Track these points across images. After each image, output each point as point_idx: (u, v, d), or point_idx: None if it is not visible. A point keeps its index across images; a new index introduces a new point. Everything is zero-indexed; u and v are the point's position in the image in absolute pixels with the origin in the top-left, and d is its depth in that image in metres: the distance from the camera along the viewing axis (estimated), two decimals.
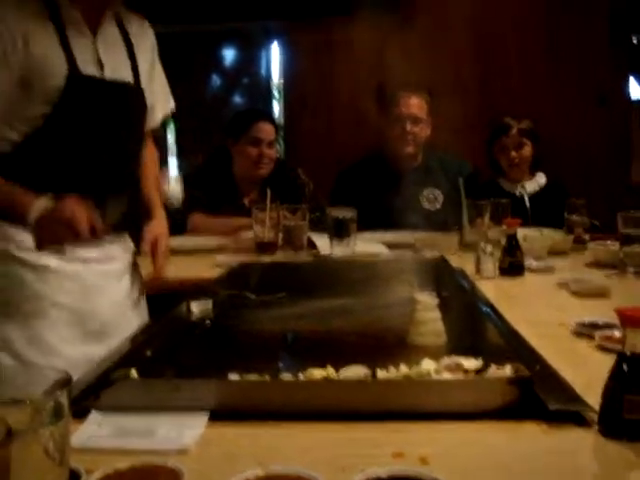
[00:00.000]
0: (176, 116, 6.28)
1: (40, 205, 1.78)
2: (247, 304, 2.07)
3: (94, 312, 1.96)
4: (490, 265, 2.43)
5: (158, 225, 2.16)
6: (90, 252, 1.94)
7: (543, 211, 3.55)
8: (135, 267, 2.18)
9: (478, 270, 2.44)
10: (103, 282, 1.98)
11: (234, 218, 3.44)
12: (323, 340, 1.74)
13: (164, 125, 6.35)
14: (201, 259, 2.92)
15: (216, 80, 5.77)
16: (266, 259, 2.83)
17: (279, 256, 2.94)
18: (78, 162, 1.89)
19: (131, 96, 2.02)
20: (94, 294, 1.96)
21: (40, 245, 1.80)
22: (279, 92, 5.40)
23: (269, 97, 5.57)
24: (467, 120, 4.73)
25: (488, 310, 1.76)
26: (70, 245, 1.83)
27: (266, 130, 3.60)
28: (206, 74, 5.78)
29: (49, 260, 1.87)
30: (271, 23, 5.22)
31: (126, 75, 2.00)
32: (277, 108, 5.44)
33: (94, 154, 1.92)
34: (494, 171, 3.79)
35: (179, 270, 2.74)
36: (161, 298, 2.21)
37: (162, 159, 6.56)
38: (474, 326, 1.70)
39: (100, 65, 1.92)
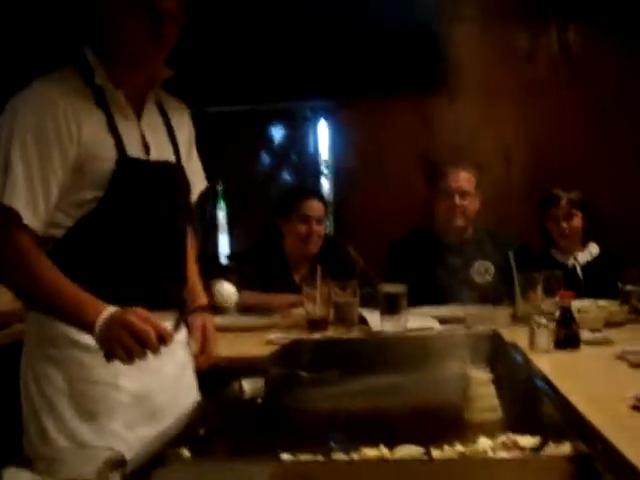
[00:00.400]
0: (226, 194, 6.39)
1: (106, 316, 1.75)
2: (299, 382, 2.05)
3: (151, 393, 1.96)
4: (544, 338, 2.39)
5: (208, 319, 2.19)
6: None
7: (597, 282, 3.50)
8: (186, 345, 2.17)
9: (532, 344, 2.40)
10: (159, 362, 1.93)
11: (285, 295, 3.46)
12: (376, 418, 1.71)
13: (214, 203, 6.45)
14: (252, 337, 2.92)
15: (265, 158, 5.85)
16: (317, 336, 2.82)
17: (330, 333, 2.93)
18: (131, 244, 1.91)
19: (176, 175, 2.05)
20: (152, 375, 1.94)
21: (109, 357, 1.76)
22: (328, 169, 5.46)
23: (318, 174, 5.62)
24: (516, 191, 4.72)
25: (544, 385, 1.72)
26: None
27: (315, 207, 3.64)
28: (255, 152, 5.87)
29: None
30: (319, 102, 5.30)
31: (168, 155, 2.04)
32: (326, 185, 5.49)
33: (146, 236, 1.94)
34: (545, 242, 3.77)
35: (230, 348, 2.75)
36: (212, 376, 2.21)
37: (212, 237, 6.66)
38: (530, 402, 1.66)
39: (146, 147, 1.96)
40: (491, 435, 1.32)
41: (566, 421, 1.39)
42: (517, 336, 2.48)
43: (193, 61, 5.72)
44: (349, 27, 4.92)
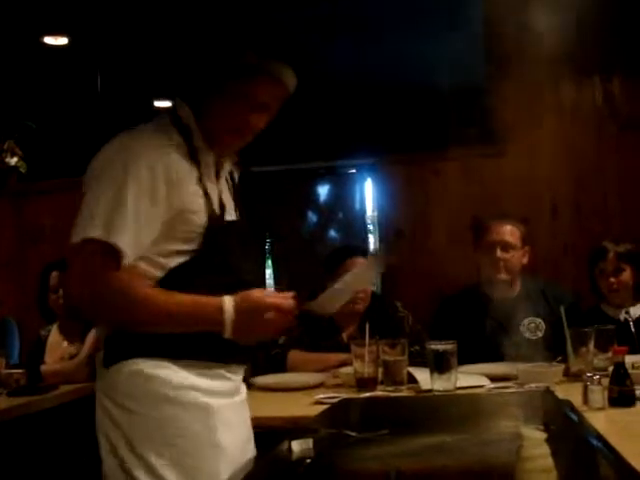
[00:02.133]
0: (273, 252, 6.43)
1: (230, 302, 1.88)
2: (348, 442, 2.03)
3: (238, 448, 1.98)
4: (599, 395, 2.34)
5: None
6: (225, 385, 1.98)
7: None
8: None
9: (586, 401, 2.35)
10: (240, 416, 2.03)
11: (333, 354, 3.44)
12: (427, 479, 1.68)
13: (263, 261, 6.49)
14: (301, 397, 2.91)
15: (312, 216, 5.89)
16: (366, 395, 2.79)
17: (379, 392, 2.90)
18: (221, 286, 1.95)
19: (248, 232, 2.15)
20: (236, 429, 1.99)
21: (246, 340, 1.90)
22: (374, 226, 5.47)
23: (364, 231, 5.63)
24: (563, 247, 4.68)
25: (599, 444, 1.68)
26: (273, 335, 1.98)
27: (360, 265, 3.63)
28: (302, 210, 5.91)
29: (205, 398, 1.90)
30: (364, 159, 5.34)
31: (234, 214, 2.13)
32: (372, 241, 5.49)
33: (229, 286, 1.97)
34: (596, 296, 3.71)
35: (279, 408, 2.74)
36: (261, 437, 2.20)
37: None
38: (586, 462, 1.62)
39: (222, 208, 2.03)
40: None
41: None
42: (570, 393, 2.43)
43: None
44: (395, 85, 4.98)
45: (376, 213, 5.39)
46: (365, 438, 2.03)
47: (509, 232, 3.63)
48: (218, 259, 1.98)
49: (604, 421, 2.12)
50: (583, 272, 3.85)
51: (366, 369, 2.96)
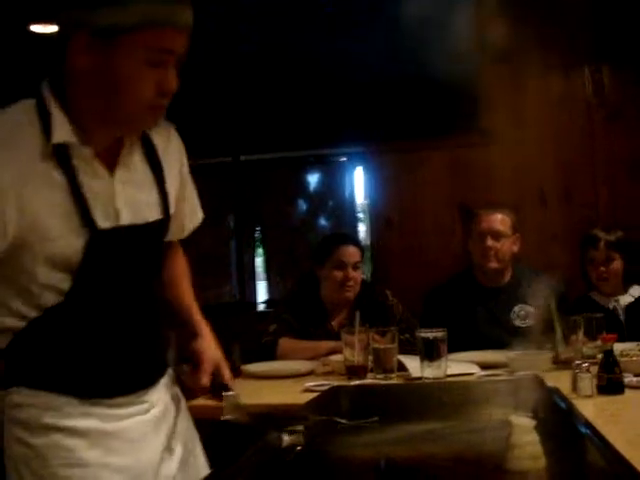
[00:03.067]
0: (263, 241, 6.43)
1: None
2: (338, 430, 2.04)
3: (144, 466, 1.77)
4: (587, 383, 2.35)
5: (209, 346, 1.89)
6: (130, 407, 1.76)
7: (639, 324, 3.45)
8: (176, 401, 1.93)
9: (575, 389, 2.36)
10: (148, 433, 1.79)
11: (323, 342, 3.45)
12: (417, 466, 1.69)
13: (253, 250, 6.49)
14: (291, 384, 2.91)
15: (302, 204, 5.89)
16: (356, 383, 2.80)
17: (369, 379, 2.91)
18: (110, 327, 1.71)
19: (151, 235, 1.78)
20: (142, 448, 1.77)
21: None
22: (364, 214, 5.48)
23: (354, 219, 5.64)
24: (552, 235, 4.69)
25: (588, 431, 1.69)
26: None
27: (350, 253, 3.63)
28: (292, 199, 5.92)
29: (90, 422, 1.68)
30: (354, 147, 5.34)
31: (149, 212, 1.74)
32: (363, 229, 5.50)
33: (124, 317, 1.74)
34: (586, 284, 3.73)
35: (268, 396, 2.74)
36: (251, 425, 2.20)
37: (250, 285, 6.69)
38: (574, 449, 1.63)
39: (116, 212, 1.65)
40: None
41: (611, 468, 1.36)
42: (559, 381, 2.44)
43: (227, 110, 5.82)
44: (384, 74, 4.98)
45: (366, 201, 5.39)
46: (355, 426, 2.04)
47: (499, 220, 3.63)
48: (97, 289, 1.66)
49: (593, 408, 2.13)
50: (572, 260, 3.87)
51: (356, 357, 2.97)
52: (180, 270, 2.01)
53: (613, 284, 3.62)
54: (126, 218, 1.66)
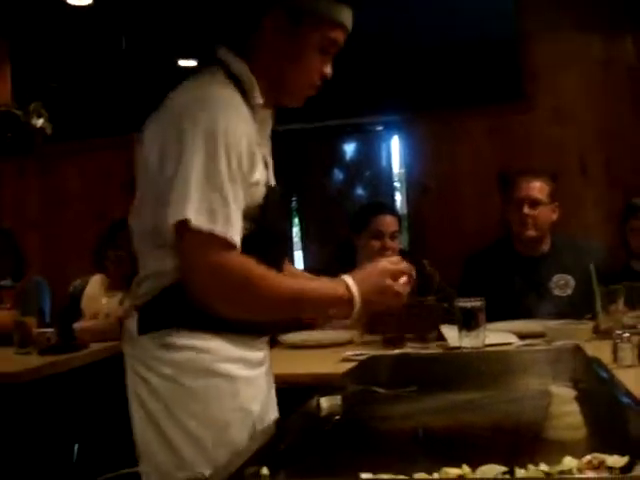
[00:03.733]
0: (300, 210, 6.43)
1: (352, 280, 1.87)
2: (376, 399, 2.04)
3: (267, 414, 1.93)
4: (628, 353, 2.33)
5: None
6: (258, 356, 1.91)
7: None
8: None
9: (615, 358, 2.34)
10: (268, 383, 1.98)
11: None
12: (456, 436, 1.69)
13: (290, 219, 6.51)
14: (329, 354, 2.92)
15: (338, 174, 5.88)
16: (394, 352, 2.80)
17: (407, 349, 2.90)
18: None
19: (281, 192, 2.02)
20: (266, 396, 1.95)
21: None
22: (401, 183, 5.45)
23: (391, 189, 5.62)
24: (595, 204, 4.63)
25: (629, 401, 1.67)
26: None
27: (387, 222, 3.62)
28: (328, 168, 5.90)
29: (240, 370, 1.83)
30: (391, 116, 5.30)
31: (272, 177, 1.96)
32: (399, 198, 5.47)
33: (276, 262, 1.91)
34: (627, 254, 3.68)
35: (307, 365, 2.75)
36: (290, 394, 2.21)
37: (289, 254, 6.68)
38: (615, 419, 1.61)
39: (267, 170, 1.89)
40: (576, 454, 1.28)
41: None
42: (600, 351, 2.42)
43: None
44: (421, 41, 4.93)
45: (403, 170, 5.36)
46: (393, 395, 2.04)
47: (538, 188, 3.59)
48: (272, 230, 1.87)
49: (633, 378, 2.10)
50: (613, 229, 3.82)
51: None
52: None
53: None
54: (271, 178, 1.91)
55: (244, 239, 1.73)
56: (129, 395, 1.82)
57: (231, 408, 1.79)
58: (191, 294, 1.69)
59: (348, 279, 1.87)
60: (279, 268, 1.94)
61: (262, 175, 1.81)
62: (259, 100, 1.80)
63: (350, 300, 1.84)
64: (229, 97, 1.75)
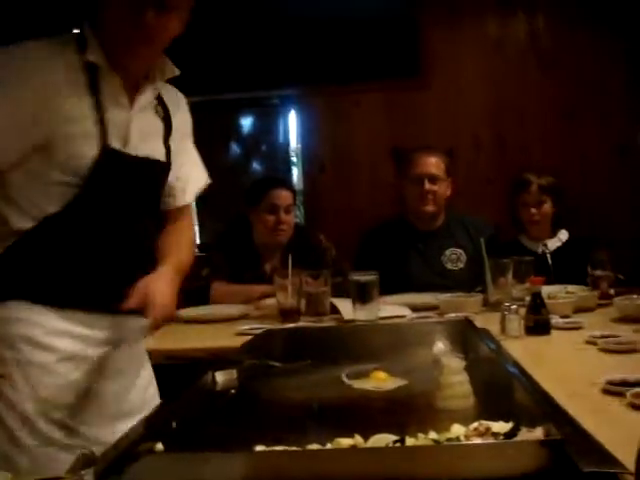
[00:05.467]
0: None
1: None
2: (272, 372, 2.05)
3: (119, 394, 1.91)
4: (515, 324, 2.40)
5: (154, 278, 1.90)
6: (106, 333, 1.87)
7: (566, 268, 3.53)
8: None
9: (503, 330, 2.41)
10: (123, 364, 1.92)
11: (256, 285, 3.45)
12: (349, 408, 1.71)
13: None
14: (224, 328, 2.92)
15: (235, 148, 5.82)
16: (289, 326, 2.81)
17: (302, 323, 2.92)
18: (101, 243, 1.83)
19: (154, 173, 1.96)
20: (116, 376, 1.90)
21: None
22: (297, 157, 5.44)
23: (288, 163, 5.61)
24: (485, 179, 4.74)
25: (515, 370, 1.73)
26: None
27: (282, 196, 3.63)
28: (225, 142, 5.84)
29: (74, 345, 1.80)
30: (288, 90, 5.28)
31: (152, 151, 1.92)
32: (296, 174, 5.47)
33: (116, 236, 1.86)
34: (516, 228, 3.78)
35: (202, 339, 2.74)
36: (184, 368, 2.20)
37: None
38: (502, 388, 1.67)
39: (125, 140, 1.83)
40: (464, 422, 1.32)
41: (538, 406, 1.39)
42: (489, 322, 2.49)
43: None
44: (318, 15, 4.91)
45: (300, 145, 5.36)
46: (288, 368, 2.05)
47: (435, 164, 3.65)
48: (100, 200, 1.80)
49: (520, 349, 2.18)
50: (503, 205, 3.92)
51: (289, 300, 2.98)
52: (179, 234, 2.12)
53: (543, 227, 3.69)
54: (134, 147, 1.84)
55: (69, 202, 1.75)
56: None
57: (59, 384, 1.78)
58: None
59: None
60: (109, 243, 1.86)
61: (87, 133, 1.74)
62: (91, 57, 1.75)
63: None
64: (36, 49, 1.73)
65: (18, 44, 1.72)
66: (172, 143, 1.99)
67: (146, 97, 1.90)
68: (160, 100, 1.98)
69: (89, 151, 1.75)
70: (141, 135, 1.87)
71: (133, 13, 1.70)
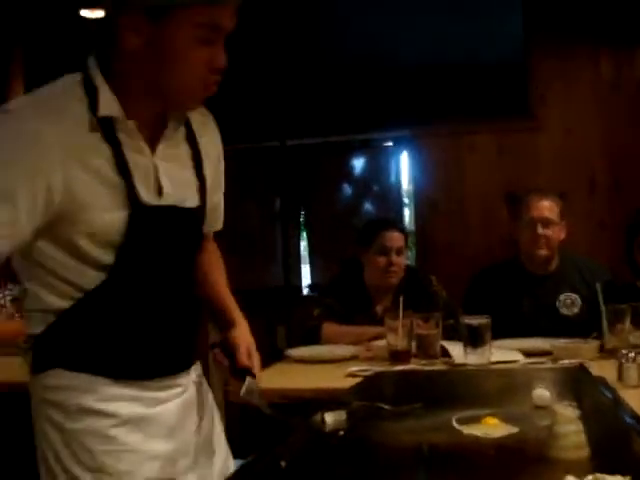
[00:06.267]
0: (308, 225, 6.44)
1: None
2: (381, 415, 2.05)
3: (181, 450, 1.79)
4: (634, 372, 2.32)
5: (244, 332, 1.91)
6: (167, 390, 1.78)
7: None
8: (201, 385, 1.96)
9: (620, 378, 2.34)
10: (182, 417, 1.81)
11: (367, 327, 3.45)
12: (460, 454, 1.69)
13: (298, 234, 6.52)
14: (335, 369, 2.92)
15: (347, 189, 5.89)
16: (400, 368, 2.80)
17: (413, 365, 2.91)
18: (145, 305, 1.72)
19: (191, 221, 1.79)
20: (178, 432, 1.79)
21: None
22: (409, 199, 5.46)
23: (400, 204, 5.63)
24: (601, 224, 4.64)
25: (633, 421, 1.68)
26: None
27: (394, 238, 3.63)
28: (337, 183, 5.91)
29: (130, 407, 1.69)
30: (401, 131, 5.32)
31: (186, 193, 1.74)
32: (408, 214, 5.48)
33: (161, 291, 1.75)
34: (633, 273, 3.67)
35: (313, 380, 2.76)
36: (295, 408, 2.21)
37: (295, 268, 6.71)
38: (619, 439, 1.62)
39: (159, 189, 1.66)
40: (579, 474, 1.29)
41: None
42: (605, 370, 2.42)
43: (275, 94, 5.83)
44: (431, 57, 4.95)
45: (411, 186, 5.37)
46: (398, 411, 2.04)
47: (549, 208, 3.60)
48: (143, 264, 1.67)
49: (638, 399, 2.10)
50: (619, 249, 3.82)
51: (400, 342, 2.97)
52: (215, 260, 2.02)
53: None
54: (168, 195, 1.67)
55: (109, 275, 1.62)
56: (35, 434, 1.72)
57: (110, 450, 1.66)
58: None
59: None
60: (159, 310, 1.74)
61: (115, 195, 1.59)
62: (105, 112, 1.57)
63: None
64: (34, 121, 1.53)
65: (15, 112, 1.57)
66: (206, 171, 1.80)
67: (171, 134, 1.72)
68: (187, 127, 1.77)
69: (120, 215, 1.60)
70: (173, 178, 1.70)
71: (203, 59, 1.57)
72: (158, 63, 1.57)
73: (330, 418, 1.97)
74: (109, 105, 1.58)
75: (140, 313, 1.70)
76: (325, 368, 3.01)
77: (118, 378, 1.68)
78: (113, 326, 1.67)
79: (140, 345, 1.71)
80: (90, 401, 1.65)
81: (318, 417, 1.94)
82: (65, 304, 1.64)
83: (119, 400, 1.68)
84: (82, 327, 1.66)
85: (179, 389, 1.80)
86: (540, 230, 3.54)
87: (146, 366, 1.73)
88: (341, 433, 1.89)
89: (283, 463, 1.51)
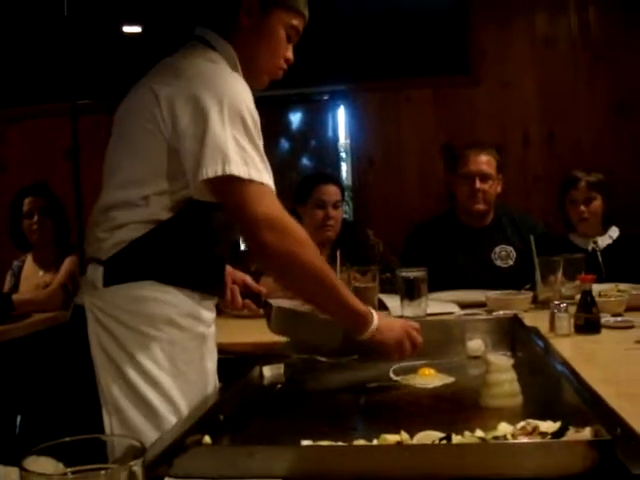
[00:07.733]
0: None
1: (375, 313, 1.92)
2: (319, 368, 2.06)
3: (214, 375, 1.97)
4: (565, 323, 2.38)
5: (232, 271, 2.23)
6: (211, 316, 1.96)
7: (618, 266, 3.47)
8: None
9: (552, 328, 2.39)
10: (215, 345, 2.01)
11: None
12: (396, 404, 1.71)
13: None
14: None
15: (284, 144, 5.85)
16: None
17: None
18: (214, 231, 1.93)
19: None
20: (214, 357, 1.99)
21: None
22: (347, 153, 5.44)
23: (337, 159, 5.61)
24: (535, 177, 4.70)
25: (564, 369, 1.72)
26: None
27: (330, 192, 3.63)
28: (274, 138, 5.86)
29: (202, 328, 1.89)
30: (337, 86, 5.29)
31: None
32: (345, 169, 5.47)
33: (222, 222, 1.94)
34: (565, 226, 3.74)
35: (250, 334, 2.76)
36: (233, 362, 2.21)
37: None
38: (550, 387, 1.66)
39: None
40: (512, 421, 1.32)
41: (587, 406, 1.38)
42: (537, 320, 2.47)
43: None
44: (368, 11, 4.91)
45: (348, 141, 5.36)
46: (336, 363, 2.06)
47: (486, 162, 3.62)
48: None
49: (569, 348, 2.16)
50: (552, 202, 3.88)
51: None
52: None
53: (593, 225, 3.63)
54: None
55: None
56: (91, 345, 1.81)
57: (190, 360, 1.84)
58: (248, 236, 1.81)
59: (373, 310, 1.93)
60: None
61: None
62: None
63: (365, 324, 1.89)
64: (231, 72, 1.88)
65: (210, 58, 1.88)
66: None
67: None
68: None
69: None
70: None
71: (284, 51, 2.02)
72: (255, 44, 1.97)
73: (268, 372, 1.98)
74: (240, 72, 1.94)
75: (208, 237, 1.91)
76: (263, 322, 3.01)
77: (189, 288, 1.86)
78: (194, 243, 1.88)
79: (210, 260, 1.94)
80: (173, 314, 1.82)
81: (256, 371, 1.94)
82: (166, 215, 1.82)
83: (191, 317, 1.86)
84: (175, 240, 1.84)
85: (214, 315, 1.99)
86: (478, 184, 3.57)
87: (211, 281, 1.97)
88: (279, 386, 1.90)
89: (222, 416, 1.52)
